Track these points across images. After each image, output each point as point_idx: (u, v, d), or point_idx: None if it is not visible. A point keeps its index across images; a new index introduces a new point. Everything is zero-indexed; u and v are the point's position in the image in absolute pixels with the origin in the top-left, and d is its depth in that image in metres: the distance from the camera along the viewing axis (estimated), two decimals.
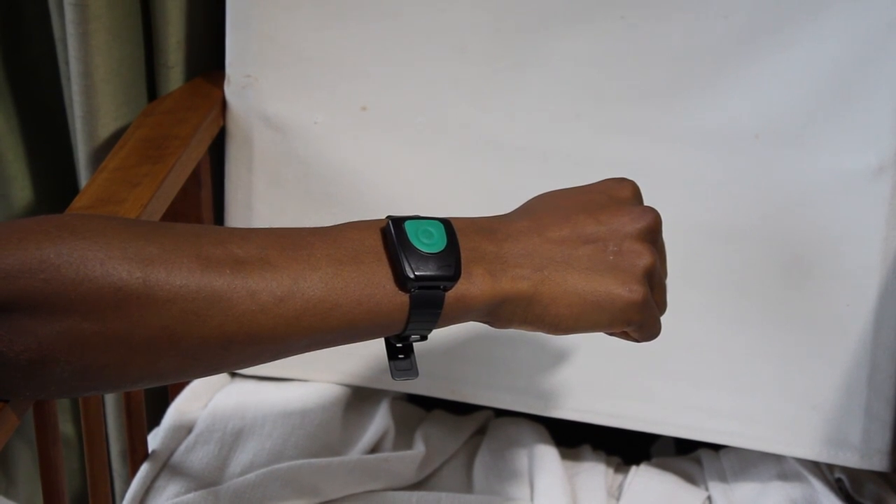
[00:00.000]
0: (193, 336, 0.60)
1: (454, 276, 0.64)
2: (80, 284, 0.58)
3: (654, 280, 0.69)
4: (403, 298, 0.63)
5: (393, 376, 0.68)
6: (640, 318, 0.68)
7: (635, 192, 0.71)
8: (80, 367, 0.59)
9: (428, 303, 0.64)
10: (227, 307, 0.60)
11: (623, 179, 0.72)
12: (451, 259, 0.64)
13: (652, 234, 0.69)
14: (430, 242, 0.64)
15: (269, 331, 0.61)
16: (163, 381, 0.63)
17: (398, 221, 0.64)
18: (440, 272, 0.63)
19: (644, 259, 0.67)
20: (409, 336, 0.66)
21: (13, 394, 0.63)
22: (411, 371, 0.68)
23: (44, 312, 0.58)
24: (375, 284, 0.63)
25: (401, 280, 0.63)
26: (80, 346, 0.59)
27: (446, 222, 0.65)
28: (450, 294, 0.64)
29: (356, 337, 0.64)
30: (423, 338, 0.67)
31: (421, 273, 0.63)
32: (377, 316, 0.63)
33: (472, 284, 0.65)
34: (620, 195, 0.70)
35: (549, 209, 0.69)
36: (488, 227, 0.67)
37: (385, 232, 0.64)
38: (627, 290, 0.67)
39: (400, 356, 0.67)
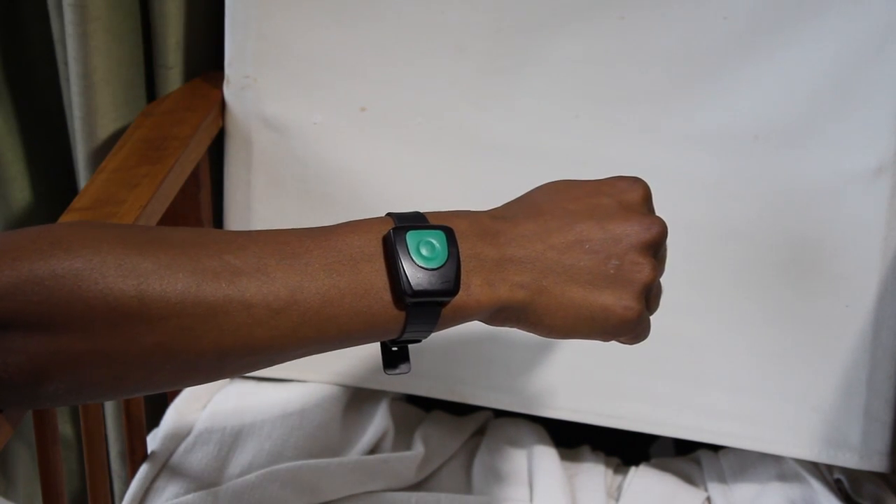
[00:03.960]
0: (189, 351, 0.60)
1: (453, 292, 0.63)
2: (75, 304, 0.57)
3: (652, 292, 0.69)
4: (400, 310, 0.63)
5: (386, 371, 0.67)
6: (632, 333, 0.68)
7: (645, 197, 0.70)
8: (75, 384, 0.59)
9: (425, 315, 0.63)
10: (223, 321, 0.60)
11: (635, 181, 0.71)
12: (450, 274, 0.63)
13: (656, 247, 0.68)
14: (430, 256, 0.63)
15: (265, 343, 0.61)
16: (158, 391, 0.63)
17: (400, 231, 0.64)
18: (439, 287, 0.63)
19: (644, 274, 0.67)
20: (404, 340, 0.66)
21: (6, 407, 0.63)
22: (404, 367, 0.67)
23: (38, 332, 0.57)
24: (373, 296, 0.63)
25: (398, 294, 0.63)
26: (74, 364, 0.58)
27: (448, 231, 0.65)
28: (447, 305, 0.64)
29: (351, 344, 0.64)
30: (418, 340, 0.66)
31: (420, 289, 0.62)
32: (373, 326, 0.63)
33: (470, 296, 0.64)
34: (630, 199, 0.69)
35: (555, 211, 0.68)
36: (492, 229, 0.66)
37: (386, 241, 0.64)
38: (623, 308, 0.66)
39: (394, 349, 0.67)
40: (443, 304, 0.63)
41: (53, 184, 1.21)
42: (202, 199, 1.06)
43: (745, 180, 0.99)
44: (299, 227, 0.65)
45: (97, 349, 0.58)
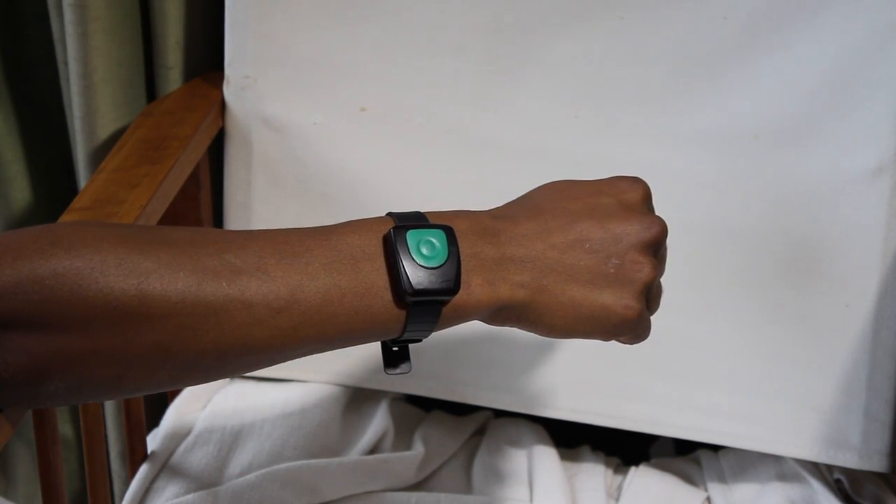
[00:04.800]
0: (189, 350, 0.60)
1: (453, 291, 0.63)
2: (75, 303, 0.57)
3: (652, 292, 0.69)
4: (401, 309, 0.63)
5: (386, 371, 0.67)
6: (632, 332, 0.68)
7: (645, 196, 0.70)
8: (75, 383, 0.59)
9: (425, 314, 0.63)
10: (223, 320, 0.60)
11: (635, 181, 0.70)
12: (450, 273, 0.63)
13: (656, 247, 0.68)
14: (431, 255, 0.63)
15: (266, 342, 0.61)
16: (158, 391, 0.63)
17: (400, 231, 0.64)
18: (439, 286, 0.63)
19: (644, 273, 0.67)
20: (405, 340, 0.66)
21: (6, 407, 0.63)
22: (405, 367, 0.67)
23: (38, 331, 0.57)
24: (373, 295, 0.63)
25: (399, 293, 0.63)
26: (75, 363, 0.58)
27: (448, 230, 0.65)
28: (447, 304, 0.64)
29: (352, 343, 0.64)
30: (419, 339, 0.66)
31: (420, 288, 0.62)
32: (374, 325, 0.63)
33: (470, 295, 0.64)
34: (630, 199, 0.69)
35: (555, 210, 0.68)
36: (492, 228, 0.66)
37: (386, 240, 0.64)
38: (623, 307, 0.66)
39: (394, 349, 0.67)
40: (443, 303, 0.63)
41: (53, 184, 1.21)
42: (202, 199, 1.06)
43: (745, 180, 0.99)
44: (299, 226, 0.65)
45: (97, 348, 0.58)
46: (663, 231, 0.69)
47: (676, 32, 0.98)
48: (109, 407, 1.14)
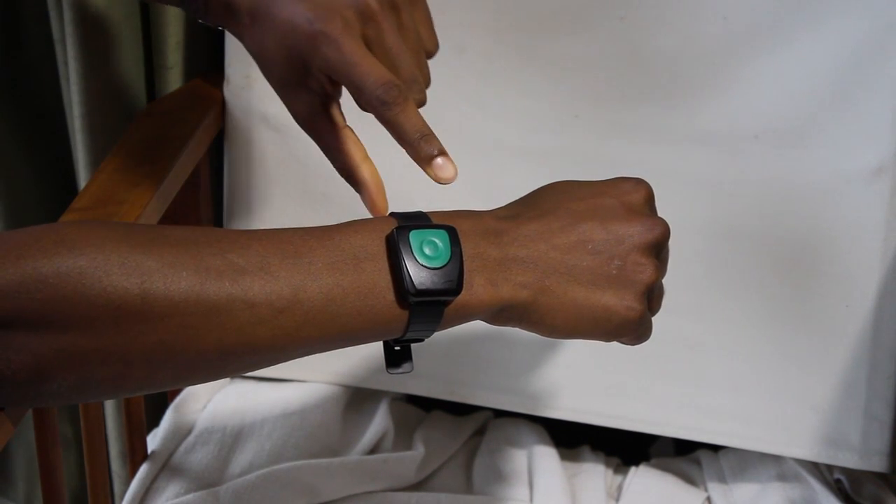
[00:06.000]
0: (191, 349, 0.60)
1: (456, 291, 0.63)
2: (78, 302, 0.57)
3: (654, 293, 0.69)
4: (403, 309, 0.63)
5: (388, 370, 0.67)
6: (634, 334, 0.68)
7: (648, 198, 0.70)
8: (77, 382, 0.59)
9: (428, 314, 0.64)
10: (226, 320, 0.60)
11: (639, 182, 0.71)
12: (453, 273, 0.63)
13: (658, 248, 0.68)
14: (434, 255, 0.63)
15: (268, 342, 0.61)
16: (160, 390, 0.63)
17: (403, 231, 0.64)
18: (442, 287, 0.63)
19: (646, 275, 0.67)
20: (407, 340, 0.66)
21: (8, 405, 0.63)
22: (407, 366, 0.67)
23: (41, 330, 0.57)
24: (376, 295, 0.63)
25: (401, 293, 0.63)
26: (78, 362, 0.58)
27: (451, 230, 0.65)
28: (450, 304, 0.64)
29: (354, 343, 0.64)
30: (421, 339, 0.66)
31: (423, 288, 0.62)
32: (376, 325, 0.63)
33: (473, 295, 0.64)
34: (633, 200, 0.69)
35: (558, 211, 0.68)
36: (495, 228, 0.66)
37: (389, 240, 0.64)
38: (625, 308, 0.67)
39: (396, 349, 0.67)
40: (446, 304, 0.64)
41: (53, 183, 1.21)
42: (202, 199, 1.06)
43: (745, 180, 0.99)
44: (300, 226, 0.65)
45: (100, 347, 0.58)
46: (666, 232, 0.69)
47: (676, 32, 0.98)
48: (109, 407, 1.14)
